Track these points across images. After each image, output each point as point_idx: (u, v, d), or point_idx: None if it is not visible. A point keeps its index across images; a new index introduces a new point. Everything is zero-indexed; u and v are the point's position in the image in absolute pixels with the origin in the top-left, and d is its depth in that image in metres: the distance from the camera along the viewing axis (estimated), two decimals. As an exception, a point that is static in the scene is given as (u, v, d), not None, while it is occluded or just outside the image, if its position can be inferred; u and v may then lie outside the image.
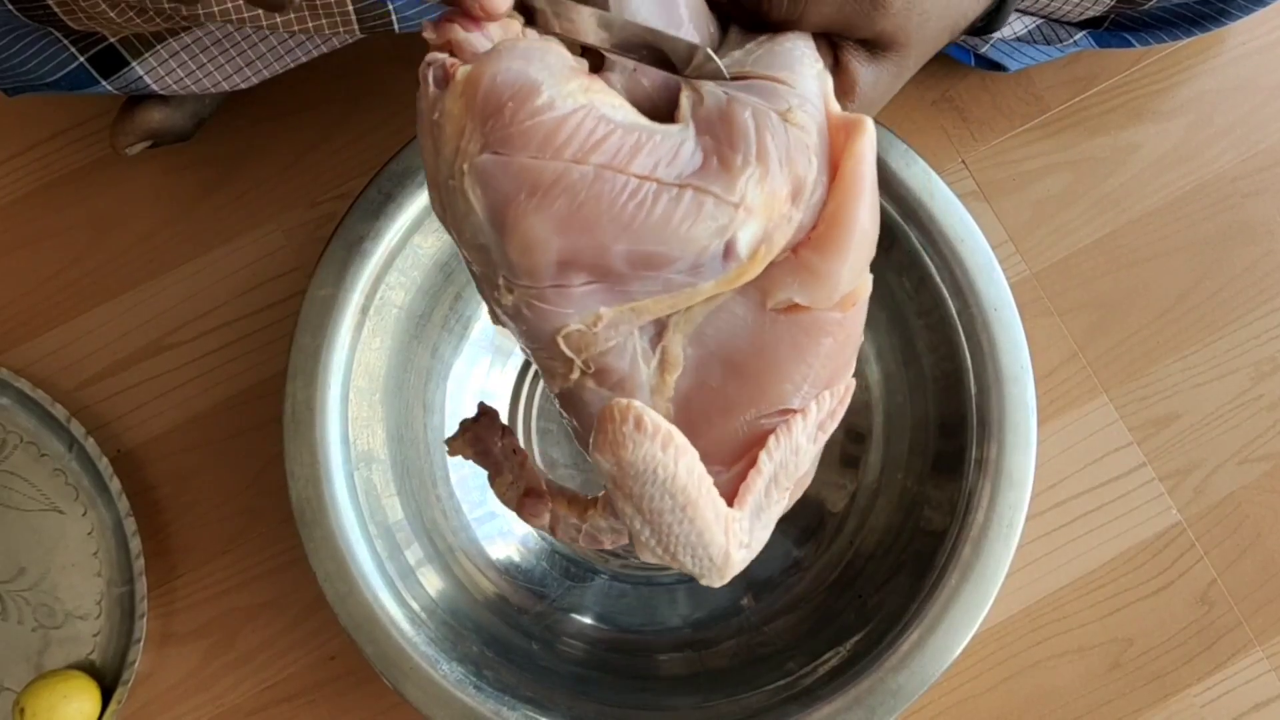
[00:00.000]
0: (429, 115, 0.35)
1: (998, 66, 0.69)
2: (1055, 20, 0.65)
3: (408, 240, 0.61)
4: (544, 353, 0.36)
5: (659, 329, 0.36)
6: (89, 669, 0.67)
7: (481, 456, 0.46)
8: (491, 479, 0.46)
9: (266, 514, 0.69)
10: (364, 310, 0.61)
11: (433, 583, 0.62)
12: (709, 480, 0.36)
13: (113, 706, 0.65)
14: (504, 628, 0.64)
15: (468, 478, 0.67)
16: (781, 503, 0.38)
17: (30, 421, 0.69)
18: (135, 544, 0.66)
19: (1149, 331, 0.71)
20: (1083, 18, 0.64)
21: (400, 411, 0.64)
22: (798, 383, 0.36)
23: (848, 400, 0.37)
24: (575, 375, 0.36)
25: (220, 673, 0.68)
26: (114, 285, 0.71)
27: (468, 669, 0.58)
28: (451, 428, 0.68)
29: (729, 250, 0.34)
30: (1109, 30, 0.66)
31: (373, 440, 0.63)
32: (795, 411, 0.37)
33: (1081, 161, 0.72)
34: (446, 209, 0.36)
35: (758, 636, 0.65)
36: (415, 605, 0.60)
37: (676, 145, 0.34)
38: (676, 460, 0.34)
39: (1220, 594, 0.68)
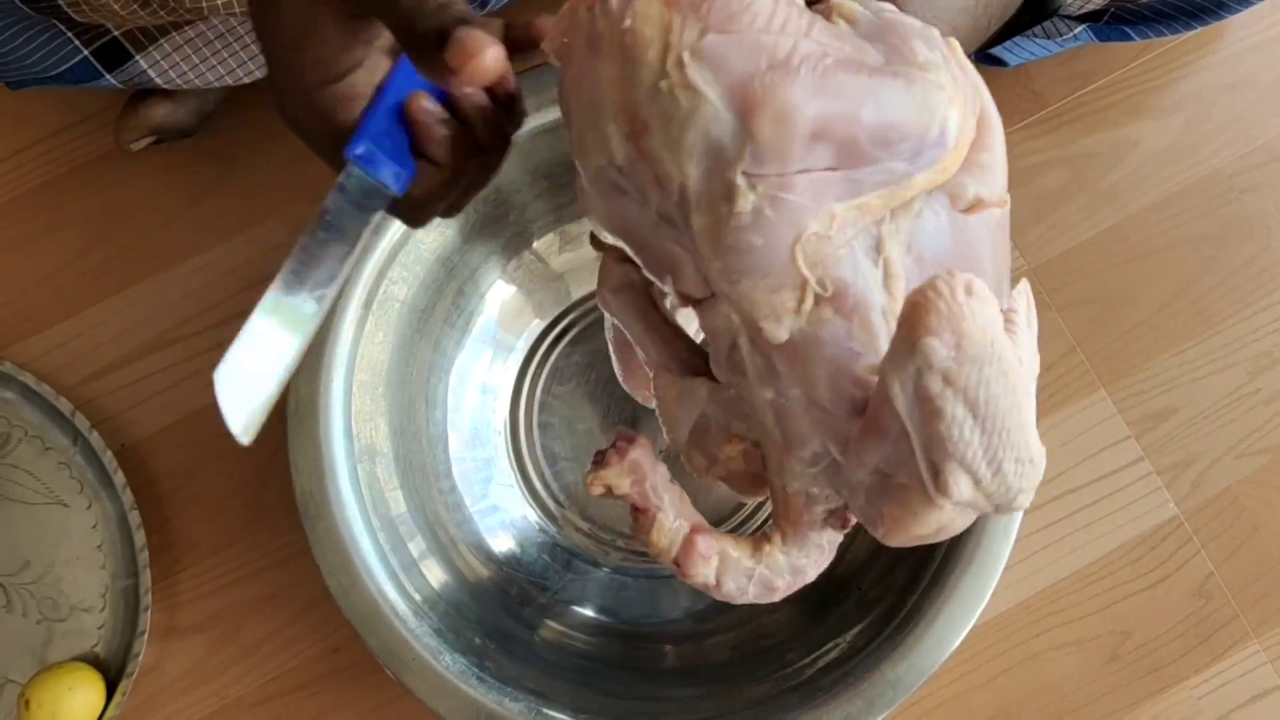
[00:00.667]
0: (616, 28, 0.33)
1: (997, 62, 0.69)
2: (1055, 14, 0.65)
3: (410, 235, 0.62)
4: (770, 283, 0.34)
5: (874, 241, 0.35)
6: (93, 661, 0.67)
7: (638, 488, 0.40)
8: (645, 524, 0.40)
9: (270, 508, 0.69)
10: (367, 305, 0.61)
11: (435, 575, 0.63)
12: None
13: (117, 699, 0.65)
14: (506, 620, 0.64)
15: (469, 471, 0.68)
16: (1034, 403, 0.34)
17: (35, 415, 0.69)
18: (139, 537, 0.66)
19: (1147, 326, 0.71)
20: (1082, 11, 0.64)
21: (403, 405, 0.65)
22: (1000, 279, 0.35)
23: (1032, 295, 0.37)
24: (809, 304, 0.34)
25: (224, 665, 0.68)
26: (119, 280, 0.71)
27: (470, 661, 0.59)
28: (454, 422, 0.68)
29: (943, 137, 0.34)
30: (1108, 24, 0.66)
31: (375, 434, 0.63)
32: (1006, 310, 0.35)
33: (1080, 157, 0.72)
34: (651, 127, 0.34)
35: (758, 628, 0.65)
36: (418, 597, 0.60)
37: (863, 45, 0.34)
38: (999, 326, 0.31)
39: (1217, 587, 0.69)
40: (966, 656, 0.68)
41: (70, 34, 0.59)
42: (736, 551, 0.38)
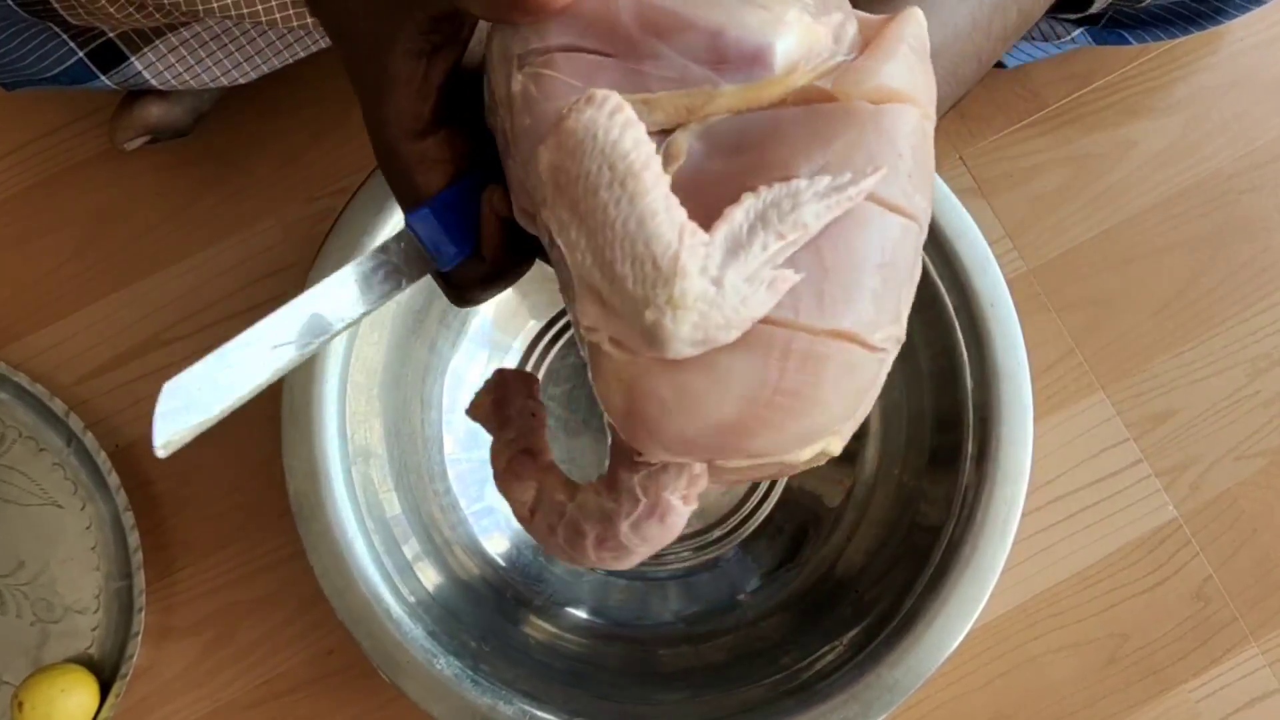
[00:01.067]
0: None
1: (995, 63, 0.69)
2: (1053, 16, 0.65)
3: (405, 235, 0.61)
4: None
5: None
6: (87, 663, 0.67)
7: (496, 409, 0.39)
8: (495, 439, 0.39)
9: (264, 509, 0.69)
10: (362, 305, 0.61)
11: (430, 577, 0.62)
12: (665, 178, 0.29)
13: (111, 700, 0.65)
14: (501, 622, 0.64)
15: (465, 473, 0.68)
16: (774, 250, 0.29)
17: (29, 416, 0.69)
18: (134, 538, 0.66)
19: (1145, 328, 0.71)
20: (1081, 15, 0.64)
21: (398, 407, 0.65)
22: (813, 162, 0.29)
23: (875, 179, 0.29)
24: None
25: (218, 667, 0.68)
26: (113, 280, 0.71)
27: (464, 663, 0.58)
28: (450, 423, 0.68)
29: (761, 56, 0.30)
30: (1106, 28, 0.66)
31: (370, 435, 0.63)
32: None
33: (1079, 158, 0.72)
34: (487, 55, 0.34)
35: (753, 631, 0.65)
36: (412, 599, 0.60)
37: None
38: (623, 128, 0.29)
39: (1216, 590, 0.68)
40: (964, 659, 0.68)
41: (65, 36, 0.59)
42: (552, 485, 0.35)
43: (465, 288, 0.37)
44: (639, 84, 0.31)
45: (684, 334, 0.28)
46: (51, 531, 0.69)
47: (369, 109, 0.35)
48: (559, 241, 0.29)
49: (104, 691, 0.66)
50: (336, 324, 0.34)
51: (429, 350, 0.66)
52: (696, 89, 0.31)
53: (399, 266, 0.35)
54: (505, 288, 0.37)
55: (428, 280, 0.64)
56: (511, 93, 0.32)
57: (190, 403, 0.33)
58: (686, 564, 0.68)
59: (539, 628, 0.65)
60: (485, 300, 0.38)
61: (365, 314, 0.35)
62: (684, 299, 0.28)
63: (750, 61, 0.30)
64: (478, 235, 0.35)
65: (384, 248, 0.35)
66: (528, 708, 0.58)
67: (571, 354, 0.69)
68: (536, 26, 0.31)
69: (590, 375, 0.31)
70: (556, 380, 0.69)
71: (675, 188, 0.29)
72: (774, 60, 0.30)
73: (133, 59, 0.60)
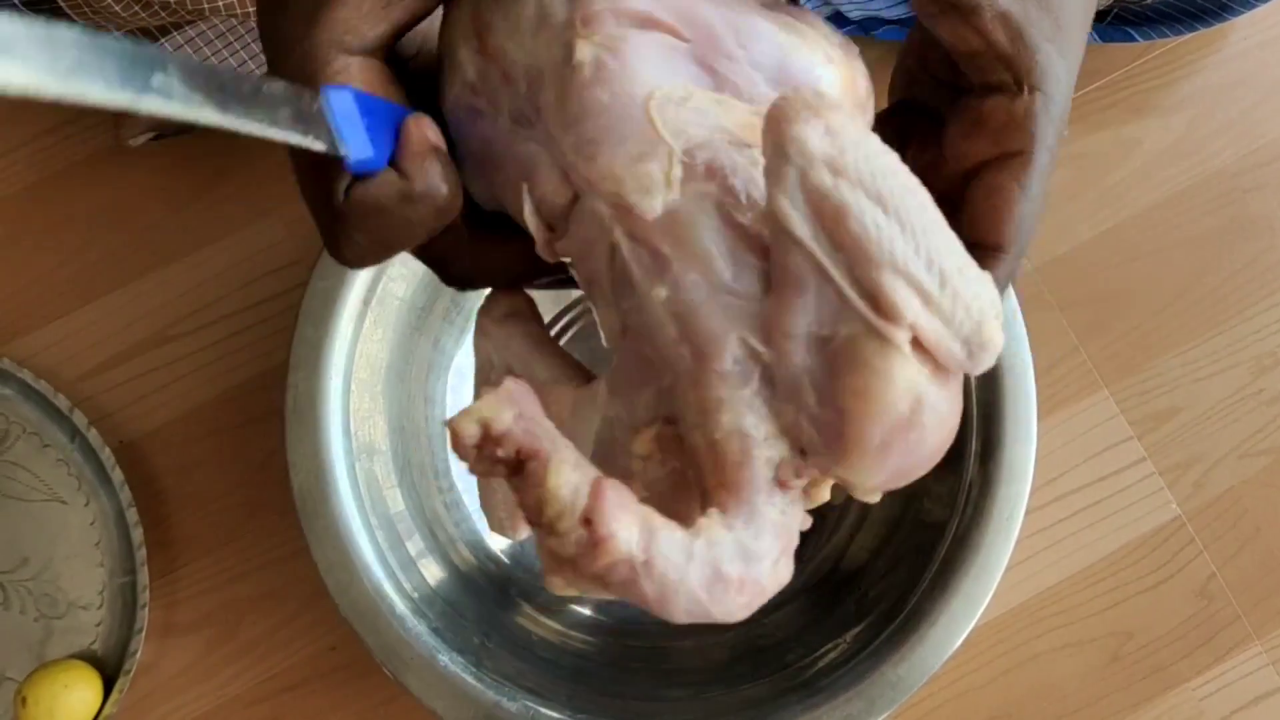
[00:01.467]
0: None
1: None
2: None
3: (409, 232, 0.61)
4: (631, 151, 0.28)
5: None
6: (91, 659, 0.67)
7: (523, 424, 0.27)
8: (537, 472, 0.27)
9: (268, 505, 0.69)
10: (366, 302, 0.61)
11: (433, 573, 0.62)
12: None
13: (114, 696, 0.65)
14: (505, 618, 0.64)
15: (468, 470, 0.68)
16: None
17: (33, 412, 0.69)
18: (137, 534, 0.66)
19: (1150, 326, 0.71)
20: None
21: (402, 403, 0.65)
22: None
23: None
24: (677, 172, 0.28)
25: (222, 663, 0.68)
26: (117, 277, 0.71)
27: (468, 659, 0.58)
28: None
29: (815, 78, 0.30)
30: (1111, 24, 0.66)
31: (374, 432, 0.63)
32: None
33: (1083, 156, 0.72)
34: (493, 21, 0.31)
35: (757, 629, 0.65)
36: (416, 596, 0.60)
37: None
38: (863, 132, 0.26)
39: (1220, 588, 0.68)
40: (967, 657, 0.68)
41: (70, 32, 0.59)
42: (662, 520, 0.26)
43: (365, 215, 0.30)
44: (717, 85, 0.29)
45: (999, 341, 0.26)
46: (55, 527, 0.69)
47: (299, 12, 0.30)
48: (862, 225, 0.25)
49: (107, 687, 0.66)
50: (204, 111, 0.25)
51: (433, 346, 0.66)
52: (760, 107, 0.28)
53: (302, 115, 0.28)
54: (418, 230, 0.31)
55: (431, 277, 0.64)
56: (576, 60, 0.29)
57: None
58: (690, 561, 0.68)
59: (543, 624, 0.65)
60: (371, 259, 0.32)
61: (237, 128, 0.26)
62: (996, 304, 0.26)
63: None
64: (394, 150, 0.30)
65: (297, 92, 0.29)
66: (531, 704, 0.58)
67: (574, 350, 0.69)
68: None
69: (843, 377, 0.27)
70: (560, 377, 0.69)
71: None
72: (828, 91, 0.30)
73: (138, 56, 0.60)
